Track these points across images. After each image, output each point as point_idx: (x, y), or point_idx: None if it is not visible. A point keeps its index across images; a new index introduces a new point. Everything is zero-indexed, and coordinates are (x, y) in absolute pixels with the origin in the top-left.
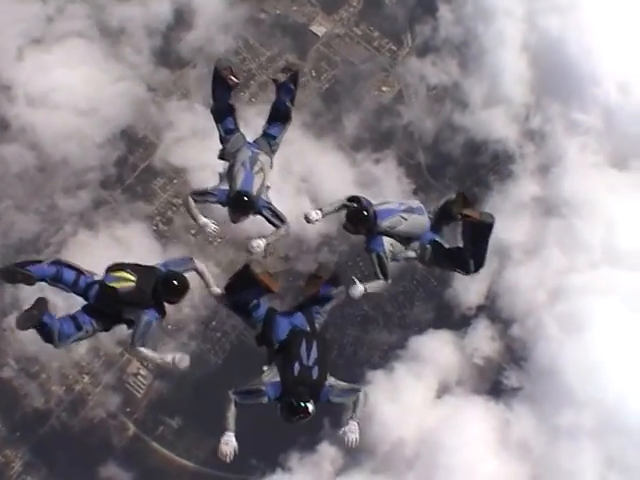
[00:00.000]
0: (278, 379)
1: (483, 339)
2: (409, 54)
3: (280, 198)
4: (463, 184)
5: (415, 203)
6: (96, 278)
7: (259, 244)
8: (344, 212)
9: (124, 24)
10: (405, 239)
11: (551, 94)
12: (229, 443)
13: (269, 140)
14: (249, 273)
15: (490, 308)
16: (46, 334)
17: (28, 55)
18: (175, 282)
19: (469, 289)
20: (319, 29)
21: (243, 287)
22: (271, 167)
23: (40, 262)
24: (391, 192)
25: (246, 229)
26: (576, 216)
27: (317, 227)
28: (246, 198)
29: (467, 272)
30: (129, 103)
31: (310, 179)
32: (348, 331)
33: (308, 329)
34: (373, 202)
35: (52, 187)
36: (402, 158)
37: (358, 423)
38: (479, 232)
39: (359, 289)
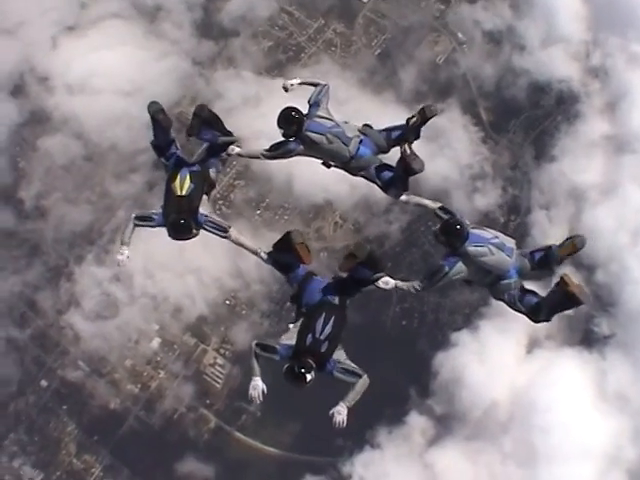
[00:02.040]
0: (293, 342)
1: None
2: (458, 2)
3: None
4: (531, 129)
5: (509, 242)
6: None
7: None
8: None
9: (160, 1)
10: (481, 272)
11: (608, 28)
12: (256, 387)
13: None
14: (289, 240)
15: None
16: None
17: (63, 43)
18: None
19: (548, 236)
20: None
21: (283, 251)
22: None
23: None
24: (459, 142)
25: (311, 201)
26: None
27: None
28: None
29: (534, 321)
30: (175, 79)
31: None
32: (426, 299)
33: (336, 302)
34: (468, 222)
35: (102, 175)
36: (466, 106)
37: (348, 407)
38: (566, 302)
39: (391, 283)
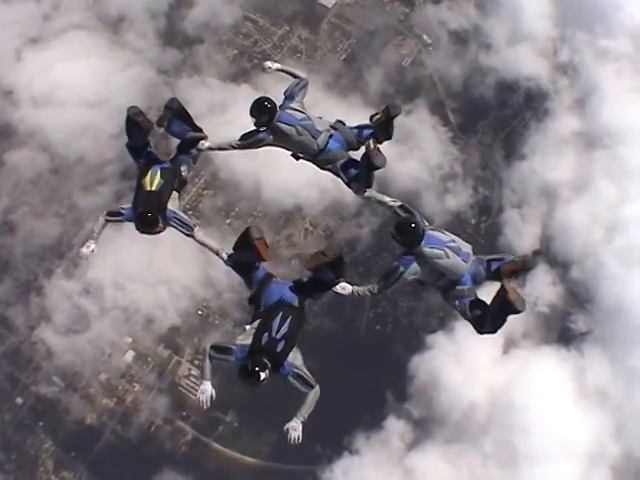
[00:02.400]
0: (249, 342)
1: (544, 285)
2: (423, 4)
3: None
4: (500, 128)
5: (465, 247)
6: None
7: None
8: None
9: (124, 11)
10: (435, 274)
11: (575, 24)
12: (205, 392)
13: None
14: (247, 237)
15: (546, 252)
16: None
17: (27, 56)
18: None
19: (522, 234)
20: (328, 0)
21: (243, 248)
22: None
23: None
24: (428, 142)
25: (281, 207)
26: (621, 144)
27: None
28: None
29: (478, 331)
30: (140, 88)
31: None
32: (400, 302)
33: (295, 303)
34: (427, 224)
35: (69, 187)
36: (434, 107)
37: (303, 422)
38: (506, 309)
39: (347, 288)
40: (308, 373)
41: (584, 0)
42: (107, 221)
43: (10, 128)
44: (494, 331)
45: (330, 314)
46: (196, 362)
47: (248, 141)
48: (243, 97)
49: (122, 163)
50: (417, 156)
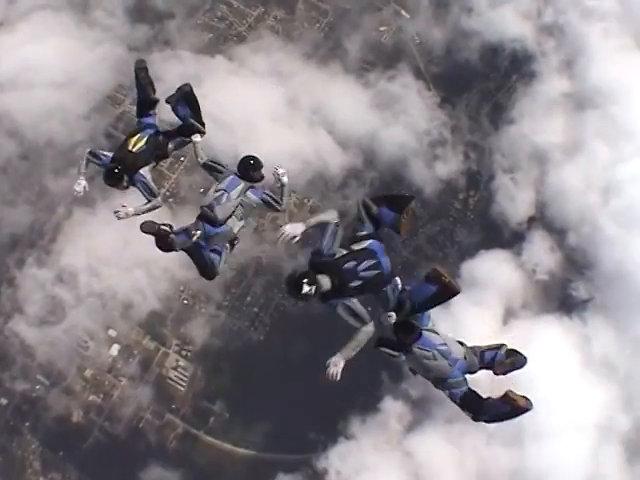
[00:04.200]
0: (334, 247)
1: (542, 251)
2: None
3: (292, 134)
4: (486, 92)
5: (457, 352)
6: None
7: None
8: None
9: None
10: (422, 368)
11: None
12: (80, 184)
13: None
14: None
15: (542, 219)
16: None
17: None
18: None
19: (516, 201)
20: None
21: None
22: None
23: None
24: (414, 108)
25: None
26: (611, 103)
27: (340, 161)
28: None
29: (473, 419)
30: (110, 66)
31: (322, 110)
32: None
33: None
34: (429, 326)
35: (40, 172)
36: (418, 72)
37: (345, 360)
38: (514, 414)
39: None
40: (363, 309)
41: None
42: (88, 160)
43: None
44: (490, 422)
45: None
46: (183, 353)
47: (149, 191)
48: (218, 69)
49: (94, 144)
50: (403, 122)
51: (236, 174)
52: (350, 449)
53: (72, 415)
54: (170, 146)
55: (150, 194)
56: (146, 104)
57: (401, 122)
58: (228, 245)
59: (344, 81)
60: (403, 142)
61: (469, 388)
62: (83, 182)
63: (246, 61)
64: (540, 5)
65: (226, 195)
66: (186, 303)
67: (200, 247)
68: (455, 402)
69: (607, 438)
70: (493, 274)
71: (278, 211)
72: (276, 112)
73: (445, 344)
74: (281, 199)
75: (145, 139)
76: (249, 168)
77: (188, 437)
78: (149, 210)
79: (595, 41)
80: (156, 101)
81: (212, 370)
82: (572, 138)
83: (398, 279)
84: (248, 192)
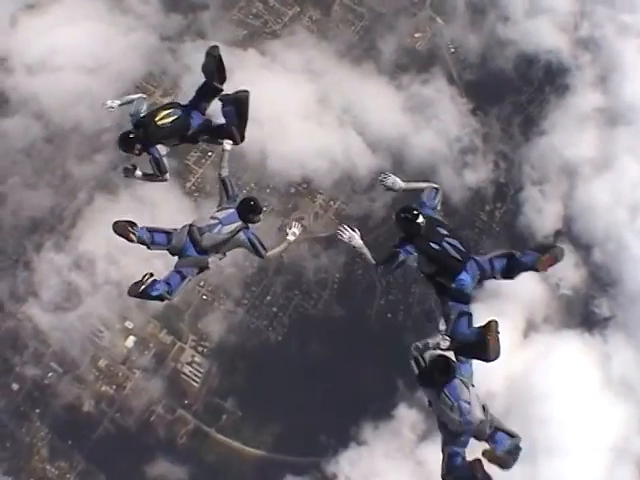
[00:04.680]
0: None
1: (567, 266)
2: None
3: (321, 132)
4: (518, 102)
5: (474, 417)
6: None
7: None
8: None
9: None
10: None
11: None
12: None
13: None
14: None
15: (569, 233)
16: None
17: (23, 21)
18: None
19: (543, 214)
20: None
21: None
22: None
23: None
24: (446, 113)
25: (287, 179)
26: None
27: (368, 162)
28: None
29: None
30: (142, 54)
31: (353, 109)
32: (412, 289)
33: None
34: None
35: (63, 157)
36: (452, 77)
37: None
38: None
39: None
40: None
41: None
42: (121, 104)
43: (2, 96)
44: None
45: (340, 301)
46: (199, 348)
47: (159, 168)
48: (249, 62)
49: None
50: (434, 127)
51: (237, 209)
52: (361, 455)
53: (83, 404)
54: (193, 127)
55: (158, 170)
56: (209, 91)
57: (432, 127)
58: (196, 272)
59: (377, 82)
60: (433, 148)
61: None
62: (116, 103)
63: (278, 56)
64: (577, 18)
65: (219, 227)
66: (205, 298)
67: (152, 288)
68: (443, 455)
69: (622, 458)
70: (516, 286)
71: (261, 257)
72: (306, 109)
73: (469, 403)
74: (265, 249)
75: (173, 118)
76: (249, 210)
77: (198, 433)
78: (154, 181)
79: (630, 57)
80: (219, 90)
81: (227, 368)
82: (603, 153)
83: (467, 309)
84: (241, 233)
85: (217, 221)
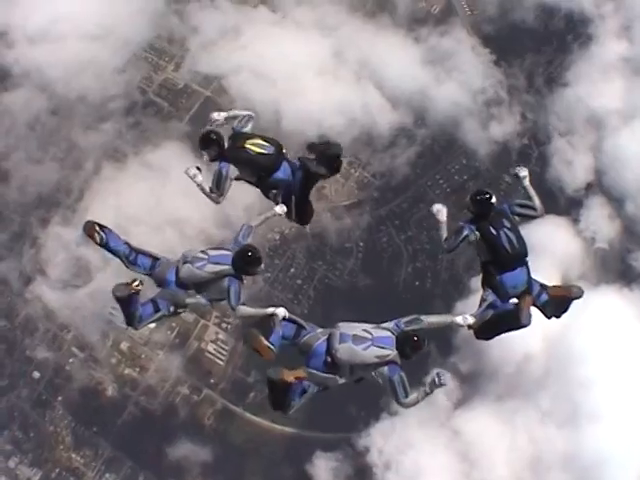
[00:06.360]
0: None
1: (601, 219)
2: None
3: (338, 88)
4: (541, 52)
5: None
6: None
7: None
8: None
9: None
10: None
11: None
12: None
13: None
14: None
15: (600, 185)
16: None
17: None
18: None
19: (573, 166)
20: None
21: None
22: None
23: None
24: (468, 65)
25: (303, 137)
26: None
27: (389, 118)
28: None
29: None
30: (147, 19)
31: (370, 64)
32: (440, 255)
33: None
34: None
35: (69, 128)
36: (473, 28)
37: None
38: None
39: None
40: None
41: None
42: (236, 117)
43: (3, 70)
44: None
45: (366, 270)
46: (223, 325)
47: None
48: (259, 20)
49: (127, 98)
50: (456, 79)
51: (233, 254)
52: (394, 426)
53: (106, 389)
54: (272, 192)
55: (216, 186)
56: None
57: (454, 79)
58: (171, 309)
59: (393, 35)
60: (456, 100)
61: None
62: (222, 115)
63: (290, 12)
64: None
65: (203, 262)
66: None
67: (134, 300)
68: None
69: None
70: (549, 241)
71: (231, 308)
72: (321, 65)
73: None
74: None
75: (260, 151)
76: (244, 260)
77: (226, 413)
78: (206, 195)
79: None
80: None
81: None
82: (630, 103)
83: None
84: (226, 279)
85: (205, 256)
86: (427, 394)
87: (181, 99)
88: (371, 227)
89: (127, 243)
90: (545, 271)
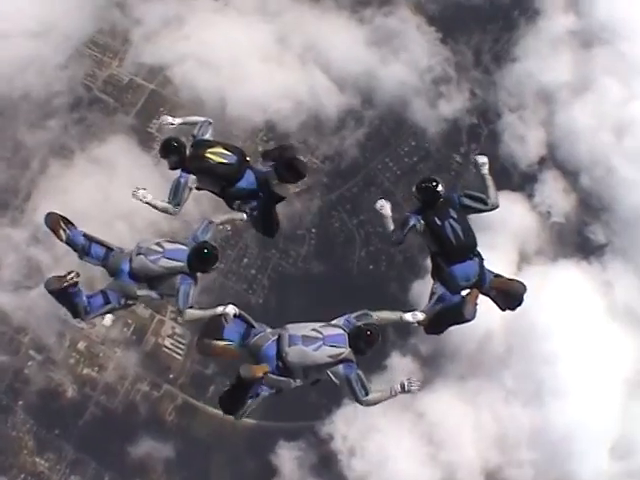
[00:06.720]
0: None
1: (556, 193)
2: None
3: (283, 73)
4: (487, 28)
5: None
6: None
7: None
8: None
9: None
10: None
11: None
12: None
13: None
14: None
15: (553, 159)
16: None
17: None
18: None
19: (525, 141)
20: None
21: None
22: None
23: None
24: (414, 44)
25: (249, 124)
26: (621, 39)
27: (336, 100)
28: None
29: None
30: (89, 13)
31: (315, 48)
32: (391, 250)
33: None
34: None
35: (14, 127)
36: (417, 7)
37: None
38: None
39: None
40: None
41: None
42: (193, 123)
43: None
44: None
45: (319, 256)
46: (179, 319)
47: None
48: (202, 8)
49: (71, 94)
50: (403, 59)
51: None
52: (356, 412)
53: (66, 391)
54: (235, 203)
55: (173, 196)
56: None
57: (401, 59)
58: (122, 301)
59: (337, 18)
60: (404, 80)
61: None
62: (177, 120)
63: (232, 0)
64: None
65: (158, 256)
66: None
67: (74, 292)
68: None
69: (636, 393)
70: (505, 217)
71: (179, 311)
72: (265, 51)
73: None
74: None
75: (221, 160)
76: (199, 258)
77: (187, 408)
78: (161, 210)
79: None
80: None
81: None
82: (580, 76)
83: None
84: (179, 276)
85: (160, 250)
86: (392, 396)
87: (126, 94)
88: (322, 212)
89: (85, 234)
90: (502, 247)
